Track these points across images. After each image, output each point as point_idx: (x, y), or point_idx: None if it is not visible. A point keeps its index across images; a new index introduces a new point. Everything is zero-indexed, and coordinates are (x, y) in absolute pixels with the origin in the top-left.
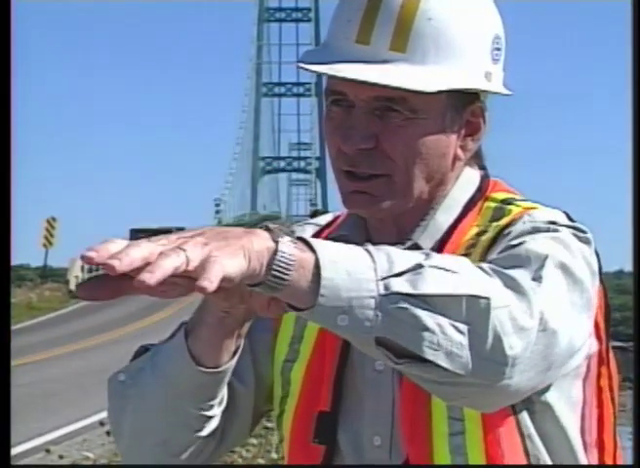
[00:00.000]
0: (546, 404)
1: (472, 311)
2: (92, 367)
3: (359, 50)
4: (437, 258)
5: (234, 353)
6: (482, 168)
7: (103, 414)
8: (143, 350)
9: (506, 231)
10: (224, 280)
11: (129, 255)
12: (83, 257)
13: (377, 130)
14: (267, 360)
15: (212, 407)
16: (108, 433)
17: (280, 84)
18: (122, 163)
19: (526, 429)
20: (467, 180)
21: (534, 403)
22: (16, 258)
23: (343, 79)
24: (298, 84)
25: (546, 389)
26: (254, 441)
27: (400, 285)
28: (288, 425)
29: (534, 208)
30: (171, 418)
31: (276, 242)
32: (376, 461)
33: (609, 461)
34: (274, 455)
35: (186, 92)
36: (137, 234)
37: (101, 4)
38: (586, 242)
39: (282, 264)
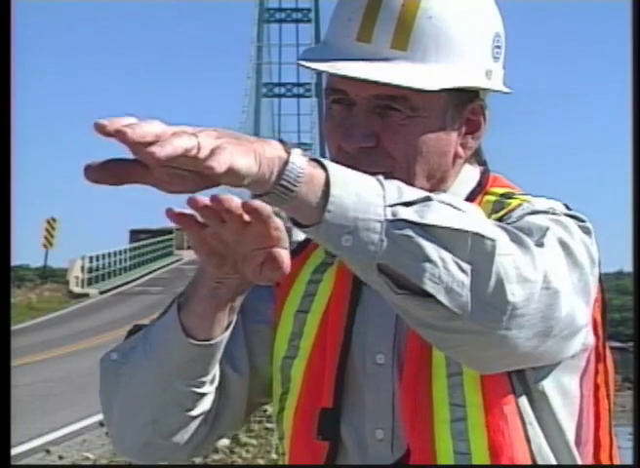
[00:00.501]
0: (544, 394)
1: (477, 251)
2: (92, 367)
3: (360, 48)
4: (446, 196)
5: (227, 327)
6: (482, 163)
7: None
8: (137, 329)
9: (505, 217)
10: (232, 173)
11: (141, 128)
12: (96, 125)
13: (377, 128)
14: (264, 352)
15: (203, 383)
16: (108, 433)
17: (280, 84)
18: None
19: (527, 416)
20: (467, 176)
21: (532, 391)
22: (16, 259)
23: (346, 77)
24: (298, 84)
25: (544, 376)
26: (254, 441)
27: (407, 213)
28: (289, 422)
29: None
30: (161, 396)
31: (288, 153)
32: (378, 455)
33: (605, 457)
34: (274, 456)
35: (186, 92)
36: (137, 235)
37: (101, 4)
38: (586, 231)
39: (292, 175)
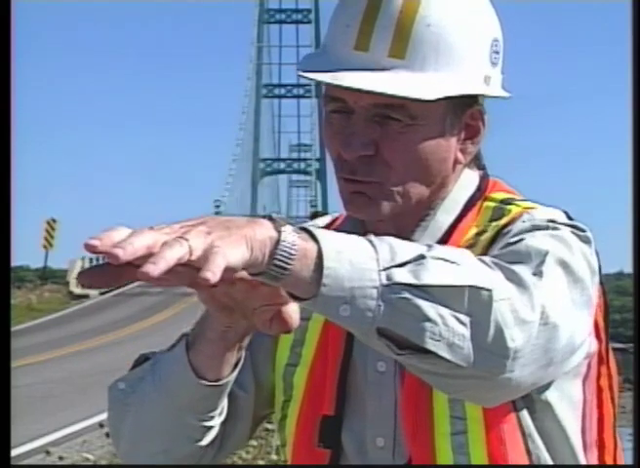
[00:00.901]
0: (547, 403)
1: (474, 302)
2: (92, 368)
3: (358, 57)
4: (439, 250)
5: (235, 365)
6: (481, 168)
7: (103, 416)
8: (143, 359)
9: (506, 230)
10: (227, 270)
11: (132, 245)
12: (86, 246)
13: (376, 136)
14: (267, 363)
15: (212, 417)
16: (108, 434)
17: (280, 85)
18: (122, 164)
19: (527, 428)
20: (467, 181)
21: (534, 402)
22: (16, 260)
23: (345, 88)
24: (298, 85)
25: (547, 387)
26: (254, 442)
27: (402, 275)
28: (291, 429)
29: (533, 207)
30: (171, 429)
31: (279, 231)
32: (379, 463)
33: (609, 460)
34: (274, 457)
35: (186, 93)
36: None
37: (101, 4)
38: (586, 241)
39: (284, 253)
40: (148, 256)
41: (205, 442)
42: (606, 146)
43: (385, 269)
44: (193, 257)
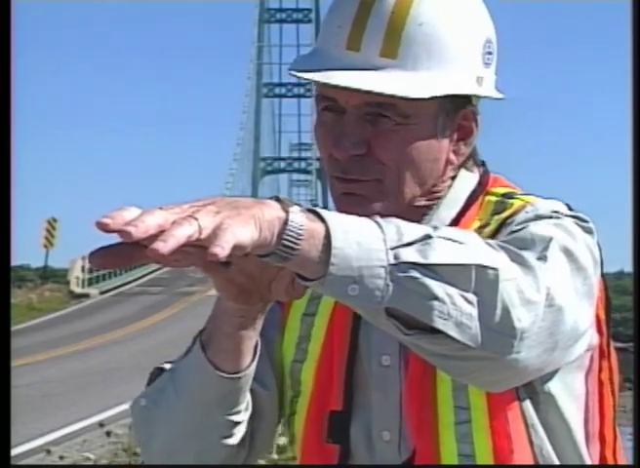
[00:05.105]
0: (550, 395)
1: (481, 282)
2: (92, 367)
3: (350, 56)
4: (445, 230)
5: (255, 350)
6: (481, 164)
7: (103, 415)
8: (158, 372)
9: (509, 221)
10: (236, 247)
11: (144, 222)
12: (98, 224)
13: (368, 135)
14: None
15: (239, 412)
16: (108, 434)
17: (281, 85)
18: (122, 163)
19: (530, 419)
20: (463, 182)
21: (537, 394)
22: (16, 259)
23: (334, 86)
24: (298, 85)
25: (550, 379)
26: None
27: (410, 254)
28: (300, 426)
29: (535, 201)
30: (201, 432)
31: (287, 212)
32: (385, 456)
33: (609, 453)
34: (274, 456)
35: (186, 93)
36: None
37: (99, 4)
38: (589, 231)
39: (293, 234)
40: (159, 236)
41: (235, 440)
42: (606, 146)
43: (393, 249)
44: (203, 236)
